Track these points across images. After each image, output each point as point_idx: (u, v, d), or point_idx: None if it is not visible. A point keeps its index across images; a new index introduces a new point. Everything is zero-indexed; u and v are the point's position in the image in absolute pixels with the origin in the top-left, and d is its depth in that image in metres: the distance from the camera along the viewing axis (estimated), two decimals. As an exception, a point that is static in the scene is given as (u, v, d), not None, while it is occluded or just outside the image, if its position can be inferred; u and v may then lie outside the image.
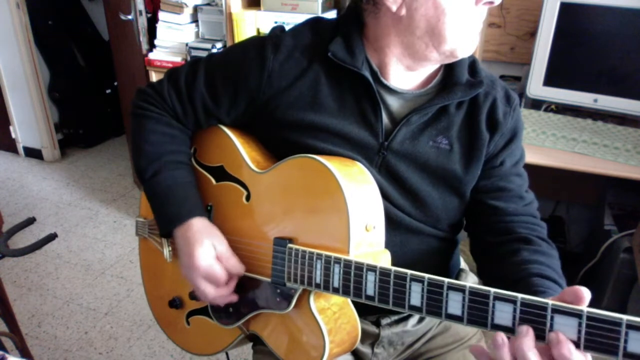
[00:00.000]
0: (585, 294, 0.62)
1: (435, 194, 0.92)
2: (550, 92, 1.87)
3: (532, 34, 2.06)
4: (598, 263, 1.91)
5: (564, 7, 1.76)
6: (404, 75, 0.90)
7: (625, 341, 0.57)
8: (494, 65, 2.19)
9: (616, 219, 1.89)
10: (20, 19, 3.18)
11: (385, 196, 0.90)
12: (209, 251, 0.90)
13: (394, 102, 0.91)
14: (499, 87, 0.94)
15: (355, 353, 1.04)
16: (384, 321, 1.01)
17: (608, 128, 1.83)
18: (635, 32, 1.72)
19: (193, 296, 1.00)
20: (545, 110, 1.95)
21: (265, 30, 2.12)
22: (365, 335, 1.00)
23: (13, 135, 3.55)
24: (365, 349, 1.03)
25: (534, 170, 1.30)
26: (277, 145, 0.94)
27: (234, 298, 0.93)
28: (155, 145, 0.96)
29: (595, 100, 1.82)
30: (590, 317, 0.59)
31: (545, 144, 1.73)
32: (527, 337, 0.62)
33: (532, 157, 1.65)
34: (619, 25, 1.74)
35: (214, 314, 1.00)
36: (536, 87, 1.88)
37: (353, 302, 0.87)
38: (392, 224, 0.90)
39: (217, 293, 0.91)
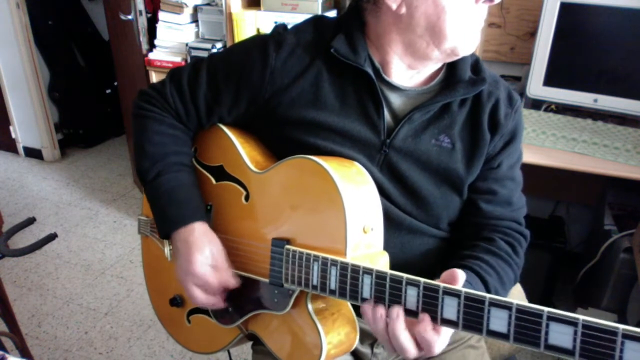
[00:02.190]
0: (460, 275, 0.70)
1: (437, 192, 0.92)
2: (550, 92, 1.87)
3: (532, 34, 2.06)
4: (598, 263, 1.91)
5: (564, 7, 1.76)
6: (406, 73, 0.90)
7: (621, 351, 0.56)
8: (494, 65, 2.19)
9: (616, 219, 1.89)
10: (20, 19, 3.18)
11: (386, 196, 0.90)
12: (207, 259, 0.90)
13: (396, 100, 0.91)
14: (502, 87, 0.94)
15: (355, 353, 1.04)
16: (384, 321, 1.01)
17: (608, 128, 1.83)
18: (635, 32, 1.72)
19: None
20: (545, 110, 1.95)
21: (265, 30, 2.12)
22: (365, 335, 1.00)
23: (13, 135, 3.55)
24: (365, 349, 1.03)
25: (534, 170, 1.31)
26: (278, 143, 0.94)
27: (222, 305, 0.94)
28: (158, 147, 0.96)
29: (595, 100, 1.82)
30: (586, 326, 0.58)
31: (545, 144, 1.73)
32: (397, 320, 0.71)
33: (532, 157, 1.64)
34: (619, 25, 1.74)
35: (214, 313, 1.00)
36: (536, 87, 1.88)
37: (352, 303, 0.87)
38: (392, 225, 0.90)
39: (207, 300, 0.92)
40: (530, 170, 1.05)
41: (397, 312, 0.72)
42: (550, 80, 1.85)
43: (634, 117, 1.83)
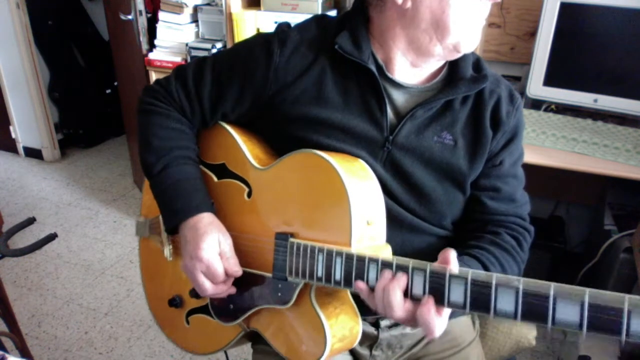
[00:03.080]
0: (451, 255, 0.71)
1: (440, 189, 0.92)
2: (550, 92, 1.87)
3: (532, 34, 2.06)
4: (598, 263, 1.91)
5: (564, 7, 1.76)
6: (409, 70, 0.91)
7: (629, 319, 0.58)
8: (494, 65, 2.19)
9: (616, 219, 1.89)
10: (20, 19, 3.18)
11: (389, 193, 0.90)
12: (214, 245, 0.90)
13: (399, 97, 0.91)
14: (503, 86, 0.95)
15: (354, 354, 1.04)
16: (383, 323, 1.01)
17: (608, 128, 1.83)
18: (635, 32, 1.72)
19: (194, 294, 1.00)
20: (545, 110, 1.95)
21: (265, 30, 2.12)
22: (364, 336, 1.00)
23: (13, 135, 3.55)
24: (364, 351, 1.03)
25: (534, 170, 1.31)
26: (282, 141, 0.94)
27: (232, 290, 0.93)
28: (165, 140, 0.96)
29: (595, 100, 1.82)
30: (592, 297, 0.60)
31: (545, 144, 1.73)
32: (397, 281, 0.73)
33: (532, 157, 1.65)
34: (619, 25, 1.74)
35: (214, 311, 1.00)
36: (536, 87, 1.88)
37: (355, 299, 0.87)
38: (394, 222, 0.90)
39: (214, 290, 0.91)
40: (530, 170, 1.05)
41: (401, 275, 0.73)
42: (550, 80, 1.86)
43: (634, 117, 1.84)
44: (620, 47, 1.77)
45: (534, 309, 0.64)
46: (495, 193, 0.95)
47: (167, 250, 1.05)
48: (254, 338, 1.06)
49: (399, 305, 0.73)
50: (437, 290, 0.71)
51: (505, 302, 0.65)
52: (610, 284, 1.81)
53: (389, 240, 0.86)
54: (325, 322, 0.83)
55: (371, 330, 1.01)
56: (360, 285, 0.77)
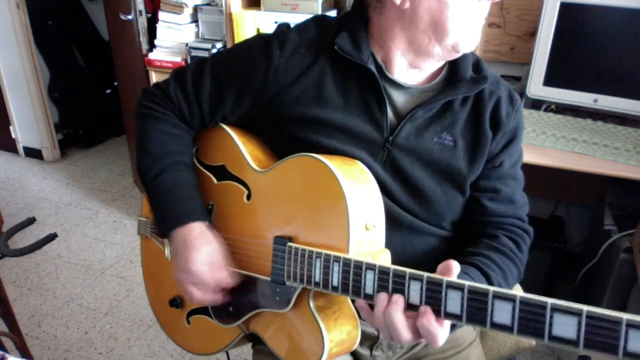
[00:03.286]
0: (454, 266, 0.71)
1: (440, 190, 0.92)
2: (550, 92, 1.87)
3: (532, 34, 2.06)
4: (598, 263, 1.91)
5: (564, 7, 1.77)
6: (409, 71, 0.91)
7: (626, 340, 0.57)
8: (494, 65, 2.19)
9: (616, 219, 1.89)
10: (20, 19, 3.18)
11: (389, 194, 0.90)
12: (204, 258, 0.90)
13: (399, 97, 0.91)
14: (502, 87, 0.95)
15: (354, 354, 1.04)
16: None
17: (608, 128, 1.83)
18: (635, 32, 1.72)
19: (193, 295, 1.00)
20: (545, 110, 1.95)
21: (265, 30, 2.13)
22: (364, 337, 1.00)
23: (13, 135, 3.55)
24: (364, 351, 1.03)
25: (534, 170, 1.31)
26: (281, 142, 0.94)
27: (219, 302, 0.94)
28: (161, 145, 0.96)
29: (595, 100, 1.82)
30: (590, 316, 0.59)
31: (545, 144, 1.73)
32: (395, 304, 0.71)
33: (532, 157, 1.65)
34: (619, 25, 1.74)
35: (214, 313, 1.00)
36: (536, 87, 1.88)
37: (353, 302, 0.87)
38: (394, 223, 0.90)
39: (203, 298, 0.92)
40: (530, 170, 1.05)
41: (398, 297, 0.72)
42: (550, 80, 1.86)
43: (634, 117, 1.84)
44: (620, 47, 1.77)
45: (530, 322, 0.63)
46: (494, 194, 0.95)
47: (168, 251, 1.05)
48: (255, 338, 1.06)
49: (403, 325, 0.72)
50: (434, 299, 0.70)
51: (502, 315, 0.64)
52: (610, 284, 1.81)
53: (390, 241, 0.86)
54: (323, 327, 0.83)
55: (371, 330, 1.01)
56: (361, 303, 0.76)
